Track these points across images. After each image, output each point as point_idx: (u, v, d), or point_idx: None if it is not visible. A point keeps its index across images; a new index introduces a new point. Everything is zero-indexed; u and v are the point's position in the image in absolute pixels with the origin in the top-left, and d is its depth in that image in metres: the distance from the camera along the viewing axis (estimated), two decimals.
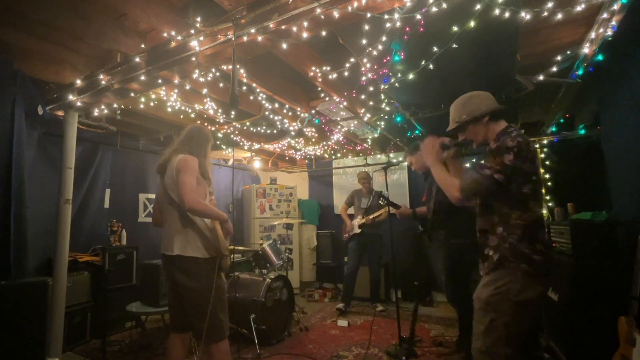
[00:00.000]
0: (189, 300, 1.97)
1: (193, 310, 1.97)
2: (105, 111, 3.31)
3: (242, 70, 2.86)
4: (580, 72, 2.80)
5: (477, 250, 2.59)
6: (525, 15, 1.99)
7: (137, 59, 2.55)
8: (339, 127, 4.66)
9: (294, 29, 2.09)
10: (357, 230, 4.48)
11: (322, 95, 3.52)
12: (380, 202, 3.32)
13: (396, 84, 2.84)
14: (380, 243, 4.56)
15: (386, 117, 4.00)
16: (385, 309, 4.45)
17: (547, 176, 4.28)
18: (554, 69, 2.75)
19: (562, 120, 4.05)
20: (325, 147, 5.59)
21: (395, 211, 3.29)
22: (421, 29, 2.20)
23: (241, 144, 5.03)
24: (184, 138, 2.17)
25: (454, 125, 1.83)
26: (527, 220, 1.57)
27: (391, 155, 5.65)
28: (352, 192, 4.86)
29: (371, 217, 4.41)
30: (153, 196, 4.67)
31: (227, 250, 2.09)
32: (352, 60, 2.64)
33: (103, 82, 2.72)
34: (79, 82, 2.85)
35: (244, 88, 3.31)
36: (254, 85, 3.19)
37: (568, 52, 2.74)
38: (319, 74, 2.93)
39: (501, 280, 1.56)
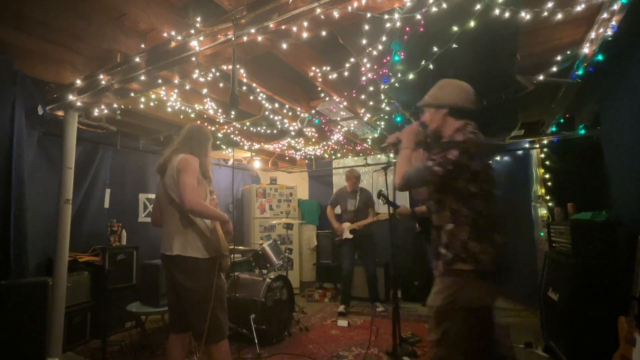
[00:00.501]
0: (189, 301, 1.96)
1: (193, 311, 1.96)
2: (105, 111, 3.31)
3: (242, 70, 2.86)
4: (580, 72, 2.80)
5: None
6: (525, 15, 1.99)
7: (137, 59, 2.55)
8: (339, 127, 4.66)
9: (294, 29, 2.09)
10: (350, 236, 4.46)
11: (322, 95, 3.52)
12: (380, 200, 3.30)
13: (396, 84, 2.84)
14: (373, 242, 4.56)
15: (386, 117, 4.00)
16: (386, 310, 4.45)
17: (547, 176, 4.28)
18: (554, 69, 2.75)
19: (562, 120, 4.05)
20: (325, 147, 5.59)
21: (396, 211, 3.28)
22: (421, 29, 2.20)
23: (241, 144, 5.03)
24: (184, 137, 2.15)
25: (421, 103, 1.84)
26: (476, 219, 1.55)
27: (391, 155, 5.65)
28: (336, 192, 4.82)
29: (362, 224, 4.42)
30: (153, 196, 4.66)
31: (227, 250, 2.08)
32: (352, 60, 2.64)
33: (103, 82, 2.72)
34: (79, 82, 2.85)
35: (244, 88, 3.31)
36: (254, 85, 3.19)
37: (568, 52, 2.74)
38: (319, 74, 2.93)
39: (452, 288, 1.54)
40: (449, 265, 1.57)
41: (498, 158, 4.62)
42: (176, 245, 1.96)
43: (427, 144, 1.85)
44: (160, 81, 2.82)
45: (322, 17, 1.96)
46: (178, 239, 1.97)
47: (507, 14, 1.98)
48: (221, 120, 4.22)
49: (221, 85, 3.30)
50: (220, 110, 3.88)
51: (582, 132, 3.81)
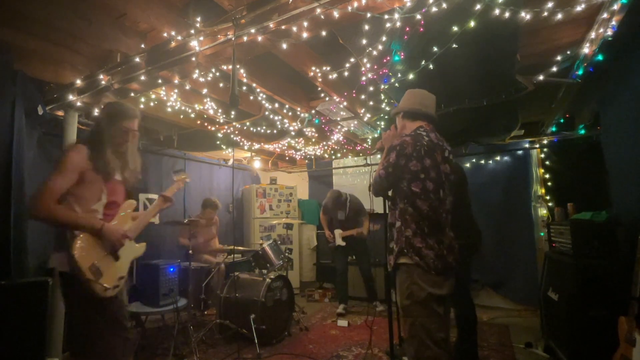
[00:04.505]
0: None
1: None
2: None
3: (242, 70, 2.86)
4: (580, 72, 2.80)
5: (473, 251, 2.62)
6: (525, 15, 1.99)
7: (137, 59, 2.55)
8: (339, 127, 4.66)
9: (294, 29, 2.09)
10: (342, 243, 4.50)
11: (322, 95, 3.52)
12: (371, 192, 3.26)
13: (396, 84, 2.84)
14: (365, 244, 4.61)
15: (386, 117, 4.00)
16: (386, 310, 4.44)
17: (547, 176, 4.28)
18: (554, 69, 2.74)
19: (562, 120, 4.05)
20: (325, 147, 5.58)
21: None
22: (421, 29, 2.20)
23: (241, 144, 5.03)
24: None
25: (391, 112, 2.00)
26: (419, 217, 1.65)
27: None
28: (325, 202, 4.72)
29: (349, 234, 4.49)
30: (153, 196, 4.67)
31: (86, 273, 1.57)
32: (352, 60, 2.64)
33: (103, 82, 2.72)
34: (79, 82, 2.85)
35: (244, 88, 3.31)
36: (254, 85, 3.19)
37: (568, 52, 2.74)
38: (319, 74, 2.93)
39: (405, 284, 1.66)
40: (395, 260, 1.69)
41: (498, 158, 4.62)
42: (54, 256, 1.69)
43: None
44: (160, 81, 2.82)
45: (322, 17, 1.96)
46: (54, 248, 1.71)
47: (507, 14, 1.98)
48: (221, 120, 4.21)
49: (221, 85, 3.30)
50: (220, 110, 3.88)
51: (582, 132, 3.81)
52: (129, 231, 1.82)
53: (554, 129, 4.13)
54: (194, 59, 2.38)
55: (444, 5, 1.90)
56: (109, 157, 1.75)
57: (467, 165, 4.72)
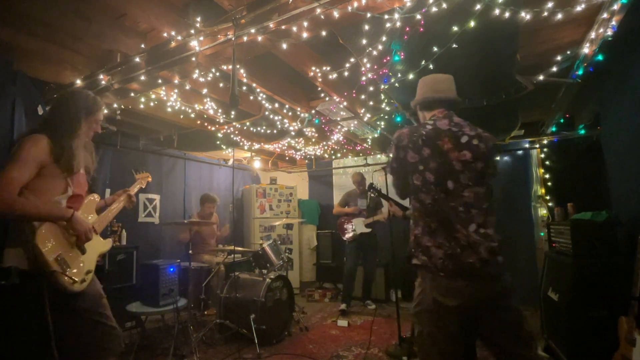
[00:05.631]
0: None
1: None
2: (105, 111, 3.30)
3: (242, 70, 2.86)
4: (580, 72, 2.80)
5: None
6: (525, 15, 1.99)
7: (137, 59, 2.55)
8: (339, 127, 4.66)
9: (294, 29, 2.09)
10: (366, 230, 4.48)
11: (322, 95, 3.52)
12: (370, 193, 3.23)
13: (396, 84, 2.84)
14: (376, 241, 4.61)
15: (386, 117, 4.00)
16: (377, 307, 4.53)
17: (547, 176, 4.28)
18: (554, 69, 2.75)
19: (562, 120, 4.05)
20: (325, 147, 5.58)
21: (390, 207, 3.21)
22: (421, 29, 2.20)
23: (241, 144, 5.03)
24: (49, 110, 1.68)
25: (413, 106, 1.84)
26: (425, 212, 1.51)
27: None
28: (345, 194, 4.85)
29: (381, 217, 4.47)
30: (153, 196, 4.67)
31: (51, 264, 1.49)
32: (352, 60, 2.64)
33: (103, 82, 2.72)
34: (79, 82, 2.85)
35: (244, 88, 3.31)
36: (254, 85, 3.19)
37: (568, 52, 2.74)
38: (319, 74, 2.93)
39: (417, 289, 1.53)
40: (409, 262, 1.56)
41: (498, 158, 4.62)
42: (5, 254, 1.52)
43: None
44: (160, 81, 2.82)
45: (322, 17, 1.96)
46: (8, 245, 1.53)
47: (507, 14, 1.98)
48: (221, 120, 4.21)
49: (221, 85, 3.30)
50: (220, 110, 3.88)
51: (582, 132, 3.81)
52: (95, 224, 1.77)
53: (554, 129, 4.14)
54: (194, 59, 2.38)
55: (444, 5, 1.91)
56: (78, 149, 1.65)
57: None
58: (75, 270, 1.60)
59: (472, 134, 1.60)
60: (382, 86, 2.99)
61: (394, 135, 1.66)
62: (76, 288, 1.59)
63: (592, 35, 2.43)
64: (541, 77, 2.78)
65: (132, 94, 2.99)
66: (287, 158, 6.63)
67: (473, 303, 1.42)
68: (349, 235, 4.58)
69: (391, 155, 1.65)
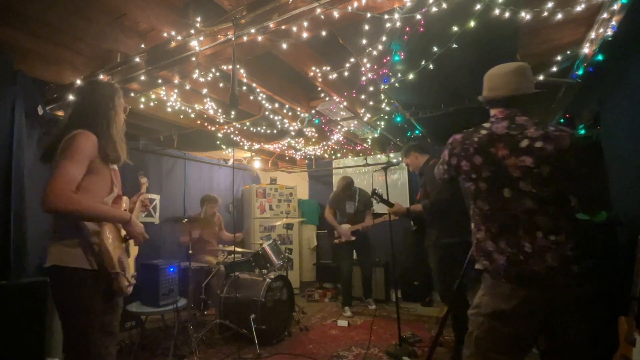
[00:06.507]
0: (63, 325, 1.45)
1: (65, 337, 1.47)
2: None
3: (242, 70, 2.86)
4: (580, 72, 2.80)
5: (468, 250, 2.53)
6: (525, 15, 1.99)
7: (137, 59, 2.55)
8: (339, 127, 4.66)
9: (294, 29, 2.09)
10: (352, 238, 4.39)
11: (322, 95, 3.52)
12: (374, 199, 3.23)
13: (396, 84, 2.84)
14: (368, 242, 4.55)
15: (386, 117, 4.00)
16: (377, 307, 4.50)
17: None
18: (554, 69, 2.75)
19: (562, 120, 4.05)
20: (325, 147, 5.59)
21: (390, 210, 3.22)
22: (421, 29, 2.20)
23: (241, 144, 5.03)
24: (74, 104, 1.62)
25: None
26: (485, 217, 1.47)
27: (391, 155, 5.65)
28: (332, 200, 4.64)
29: (365, 225, 4.39)
30: (153, 196, 4.67)
31: (117, 266, 1.49)
32: (352, 60, 2.64)
33: None
34: (79, 82, 2.85)
35: (244, 88, 3.32)
36: (254, 85, 3.19)
37: (568, 52, 2.74)
38: (319, 74, 2.93)
39: (479, 292, 1.49)
40: (471, 260, 1.55)
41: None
42: (52, 254, 1.47)
43: None
44: (160, 81, 2.82)
45: (322, 17, 1.96)
46: (54, 244, 1.48)
47: (507, 14, 1.98)
48: (221, 120, 4.22)
49: (221, 85, 3.30)
50: (220, 110, 3.88)
51: (582, 132, 3.81)
52: None
53: None
54: (194, 59, 2.38)
55: (444, 5, 1.91)
56: (118, 141, 1.59)
57: None
58: (129, 273, 1.62)
59: (536, 135, 1.43)
60: (382, 86, 2.99)
61: (447, 141, 1.60)
62: (129, 291, 1.59)
63: (592, 35, 2.43)
64: (541, 77, 2.78)
65: (132, 94, 2.99)
66: (287, 158, 6.63)
67: (534, 314, 1.36)
68: (337, 240, 4.53)
69: (443, 160, 1.61)
